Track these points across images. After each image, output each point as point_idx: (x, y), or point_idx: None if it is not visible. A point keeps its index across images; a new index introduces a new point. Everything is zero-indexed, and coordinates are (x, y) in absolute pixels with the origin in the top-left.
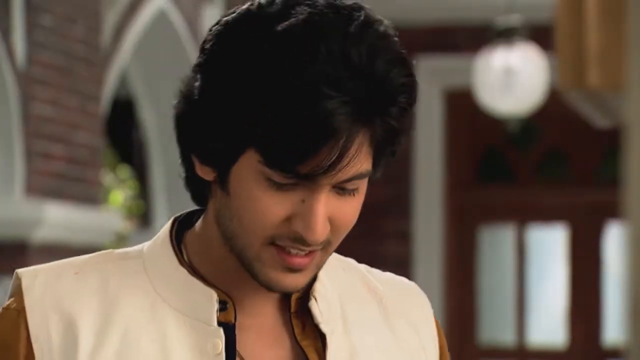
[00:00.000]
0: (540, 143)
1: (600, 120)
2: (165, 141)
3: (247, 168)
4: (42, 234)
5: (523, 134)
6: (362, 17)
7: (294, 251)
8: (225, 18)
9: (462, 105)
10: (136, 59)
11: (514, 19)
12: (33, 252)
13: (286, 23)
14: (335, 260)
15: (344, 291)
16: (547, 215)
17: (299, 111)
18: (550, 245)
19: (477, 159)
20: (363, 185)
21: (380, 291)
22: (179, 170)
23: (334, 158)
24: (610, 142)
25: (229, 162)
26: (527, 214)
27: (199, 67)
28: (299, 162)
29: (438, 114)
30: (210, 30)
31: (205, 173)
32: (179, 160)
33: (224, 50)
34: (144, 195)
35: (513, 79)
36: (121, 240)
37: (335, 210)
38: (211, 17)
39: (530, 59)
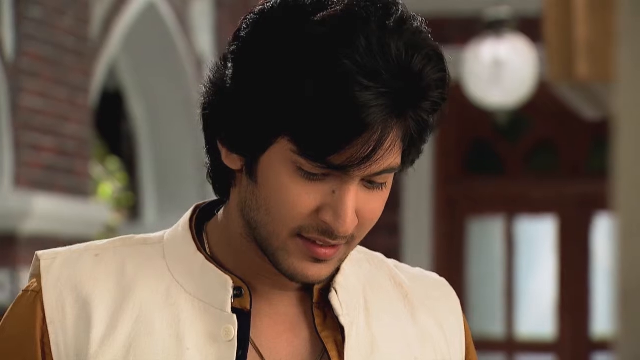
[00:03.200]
0: (529, 135)
1: (589, 112)
2: (154, 133)
3: (278, 157)
4: (30, 226)
5: (512, 125)
6: (399, 12)
7: (319, 242)
8: (260, 7)
9: (451, 97)
10: (125, 51)
11: (503, 11)
12: (22, 243)
13: (325, 13)
14: (361, 254)
15: (368, 283)
16: (536, 207)
17: (336, 101)
18: (539, 236)
19: (466, 150)
20: (390, 180)
21: (407, 286)
22: (204, 159)
23: (368, 150)
24: (599, 133)
25: (260, 150)
26: (516, 206)
27: (233, 54)
28: (334, 152)
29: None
30: (245, 18)
31: (232, 162)
32: (204, 149)
33: (261, 37)
34: (132, 187)
35: (502, 71)
36: (110, 233)
37: (363, 204)
38: (200, 9)
39: (519, 50)
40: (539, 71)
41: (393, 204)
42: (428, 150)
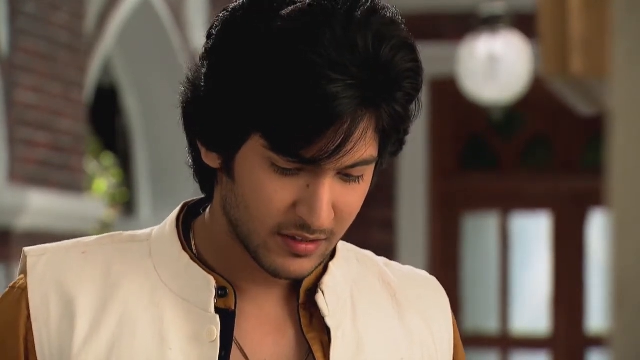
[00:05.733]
0: (524, 130)
1: (583, 107)
2: (149, 129)
3: (252, 153)
4: (25, 222)
5: (507, 121)
6: (368, 3)
7: (299, 238)
8: (232, 5)
9: (446, 93)
10: (120, 47)
11: (498, 7)
12: (16, 239)
13: (291, 8)
14: (351, 252)
15: (356, 282)
16: (530, 203)
17: (303, 95)
18: (533, 232)
19: (461, 146)
20: (368, 173)
21: (395, 285)
22: (186, 159)
23: (338, 142)
24: (593, 129)
25: (234, 147)
26: (510, 202)
27: (205, 53)
28: (304, 146)
29: (422, 101)
30: (217, 16)
31: (211, 160)
32: (187, 148)
33: (230, 35)
34: (127, 183)
35: (497, 67)
36: (105, 228)
37: (339, 197)
38: (195, 5)
39: (514, 46)
40: (534, 67)
41: (387, 200)
42: (423, 145)
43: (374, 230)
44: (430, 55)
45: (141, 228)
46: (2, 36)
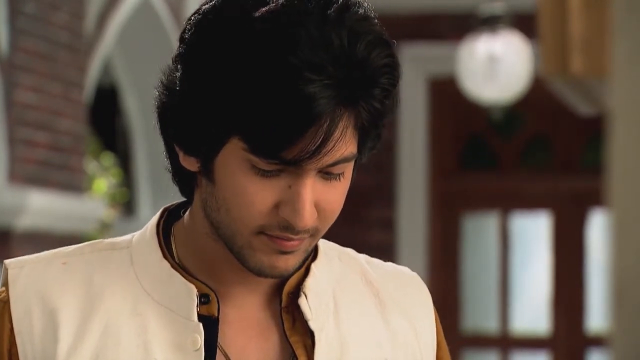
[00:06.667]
0: (524, 130)
1: (583, 108)
2: (149, 129)
3: (232, 156)
4: (25, 222)
5: (507, 121)
6: (341, 0)
7: (283, 238)
8: (204, 7)
9: (445, 93)
10: (120, 47)
11: (497, 7)
12: (16, 239)
13: (264, 9)
14: (332, 250)
15: (338, 282)
16: (530, 203)
17: (281, 96)
18: (533, 232)
19: (461, 146)
20: (349, 170)
21: (378, 283)
22: (165, 162)
23: (318, 142)
24: (593, 129)
25: (213, 152)
26: (510, 202)
27: (179, 57)
28: (284, 148)
29: (422, 101)
30: (190, 19)
31: (190, 164)
32: (164, 152)
33: (204, 39)
34: (127, 183)
35: (497, 67)
36: (105, 228)
37: (321, 195)
38: (194, 5)
39: (514, 46)
40: (533, 67)
41: (387, 200)
42: (423, 145)
43: (374, 230)
44: (430, 55)
45: (141, 228)
46: (2, 36)
